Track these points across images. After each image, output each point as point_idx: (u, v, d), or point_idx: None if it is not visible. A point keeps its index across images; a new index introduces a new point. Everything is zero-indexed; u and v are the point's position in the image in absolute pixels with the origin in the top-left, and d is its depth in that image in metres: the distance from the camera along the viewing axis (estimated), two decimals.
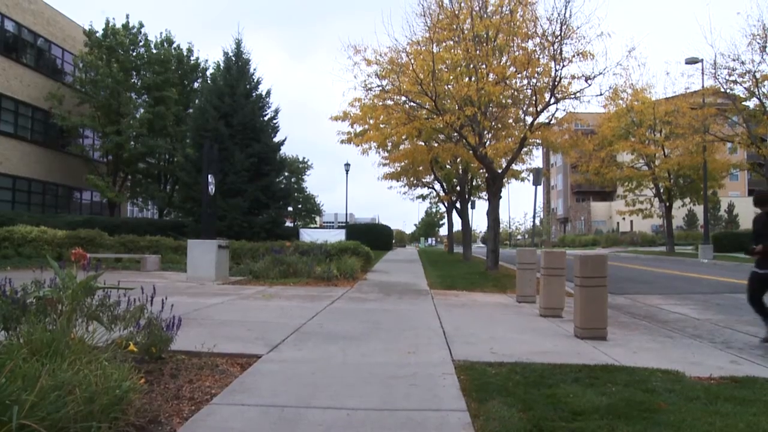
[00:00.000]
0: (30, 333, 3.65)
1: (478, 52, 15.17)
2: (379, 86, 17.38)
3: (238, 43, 26.12)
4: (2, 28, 25.32)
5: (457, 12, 15.85)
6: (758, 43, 24.07)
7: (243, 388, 4.08)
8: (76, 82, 28.21)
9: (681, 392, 4.14)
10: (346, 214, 50.44)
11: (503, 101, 16.91)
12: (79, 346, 3.58)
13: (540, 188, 22.82)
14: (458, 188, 27.67)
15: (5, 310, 4.02)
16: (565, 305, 8.47)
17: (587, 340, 6.33)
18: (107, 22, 28.71)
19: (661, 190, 34.11)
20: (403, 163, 22.64)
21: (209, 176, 13.59)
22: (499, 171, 17.69)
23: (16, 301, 4.06)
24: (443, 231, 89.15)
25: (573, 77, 15.32)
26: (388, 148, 22.13)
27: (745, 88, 26.25)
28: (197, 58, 32.06)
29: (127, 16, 29.72)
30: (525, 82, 16.34)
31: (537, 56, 15.15)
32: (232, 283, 12.57)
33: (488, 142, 17.30)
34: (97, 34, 28.32)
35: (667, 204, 34.22)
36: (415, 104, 16.75)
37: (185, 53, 31.42)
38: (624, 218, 46.64)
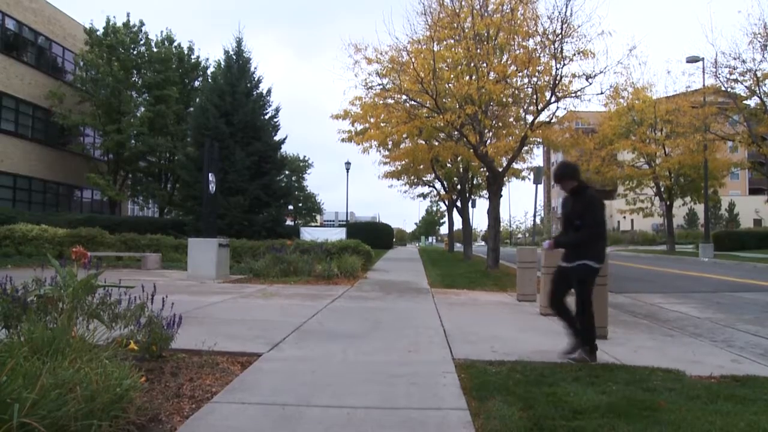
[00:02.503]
0: (31, 331, 3.65)
1: (478, 50, 15.15)
2: (379, 85, 17.40)
3: (239, 42, 26.11)
4: (3, 26, 25.33)
5: (457, 10, 15.82)
6: (759, 41, 24.08)
7: (243, 387, 4.08)
8: (77, 81, 28.22)
9: (681, 391, 4.14)
10: (347, 212, 50.47)
11: (504, 100, 16.89)
12: (80, 345, 3.58)
13: (541, 187, 22.85)
14: (459, 187, 27.66)
15: (6, 309, 4.03)
16: None
17: None
18: (108, 21, 28.70)
19: (662, 189, 34.10)
20: (403, 162, 22.65)
21: (210, 175, 13.60)
22: (500, 170, 17.68)
23: (17, 299, 4.07)
24: (444, 230, 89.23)
25: (574, 76, 15.33)
26: (389, 146, 22.11)
27: (745, 86, 26.24)
28: (198, 57, 32.09)
29: (128, 15, 29.75)
30: (526, 80, 16.34)
31: (538, 55, 15.13)
32: (232, 282, 12.58)
33: (489, 141, 17.30)
34: (98, 33, 28.32)
35: (668, 203, 34.20)
36: (415, 103, 16.74)
37: (186, 52, 31.42)
38: (624, 217, 46.62)
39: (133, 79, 29.44)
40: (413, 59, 15.45)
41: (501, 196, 17.64)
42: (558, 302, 5.53)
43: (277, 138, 26.96)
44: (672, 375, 4.66)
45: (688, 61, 27.18)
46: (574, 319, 5.39)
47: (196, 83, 32.10)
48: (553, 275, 5.70)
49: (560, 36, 14.55)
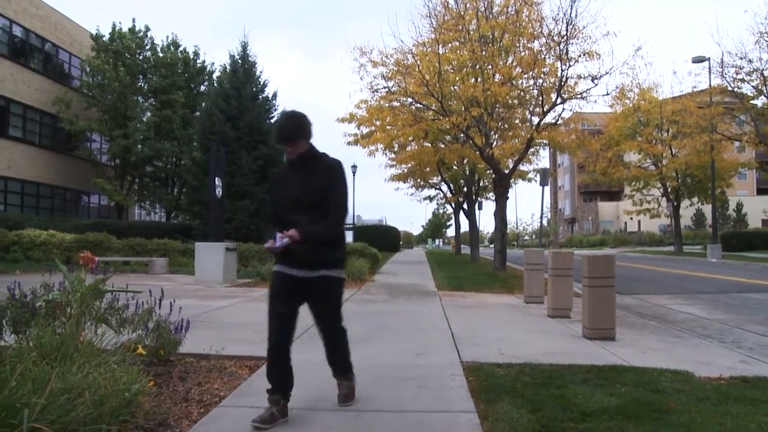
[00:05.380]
0: (39, 336, 3.66)
1: (483, 52, 15.15)
2: (385, 88, 17.38)
3: (245, 46, 26.15)
4: (10, 33, 25.51)
5: (462, 13, 15.84)
6: (765, 41, 23.97)
7: (252, 391, 4.08)
8: (83, 86, 28.36)
9: (691, 392, 4.11)
10: (354, 215, 50.45)
11: (509, 102, 16.86)
12: (88, 349, 3.60)
13: (547, 189, 22.73)
14: (465, 189, 27.60)
15: (15, 314, 4.04)
16: (573, 306, 8.44)
17: (595, 340, 6.30)
18: (114, 26, 28.83)
19: (669, 190, 33.94)
20: (409, 165, 22.63)
21: (216, 179, 13.62)
22: (506, 171, 17.65)
23: (26, 304, 4.09)
24: (450, 232, 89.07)
25: (579, 77, 15.32)
26: (395, 149, 22.11)
27: (752, 86, 26.12)
28: (203, 61, 32.17)
29: (134, 20, 29.94)
30: (531, 82, 16.34)
31: (543, 56, 15.12)
32: (239, 286, 12.59)
33: (495, 143, 17.26)
34: (104, 38, 28.43)
35: (675, 203, 34.04)
36: (421, 105, 16.74)
37: (191, 56, 31.52)
38: (632, 218, 46.52)
39: (139, 84, 29.53)
40: (418, 62, 15.46)
41: (507, 198, 17.59)
42: (288, 341, 3.75)
43: None
44: (681, 376, 4.63)
45: (694, 61, 27.10)
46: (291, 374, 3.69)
47: (202, 87, 32.16)
48: (277, 294, 3.64)
49: (565, 37, 14.54)
